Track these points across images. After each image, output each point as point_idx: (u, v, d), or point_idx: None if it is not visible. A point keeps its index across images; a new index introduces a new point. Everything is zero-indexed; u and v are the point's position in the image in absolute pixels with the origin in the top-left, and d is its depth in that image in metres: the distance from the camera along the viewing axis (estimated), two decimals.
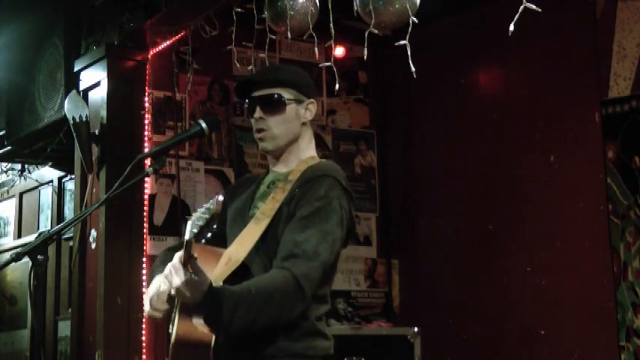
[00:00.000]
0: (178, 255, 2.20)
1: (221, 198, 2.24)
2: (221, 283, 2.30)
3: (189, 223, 2.19)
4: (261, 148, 2.62)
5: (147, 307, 2.43)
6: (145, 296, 2.46)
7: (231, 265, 2.37)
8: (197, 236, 2.17)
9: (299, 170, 2.55)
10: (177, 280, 2.18)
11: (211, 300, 2.20)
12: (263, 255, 2.44)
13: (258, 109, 2.57)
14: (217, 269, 2.36)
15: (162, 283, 2.33)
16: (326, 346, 2.48)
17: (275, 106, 2.56)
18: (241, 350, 2.36)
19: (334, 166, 2.59)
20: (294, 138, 2.60)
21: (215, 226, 2.22)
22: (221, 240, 2.60)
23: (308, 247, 2.34)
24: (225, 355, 2.31)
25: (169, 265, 2.23)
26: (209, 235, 2.20)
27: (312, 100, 2.62)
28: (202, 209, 2.24)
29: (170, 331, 2.40)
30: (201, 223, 2.20)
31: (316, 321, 2.45)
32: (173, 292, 2.22)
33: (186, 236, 2.14)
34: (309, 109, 2.62)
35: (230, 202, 2.67)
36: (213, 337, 2.26)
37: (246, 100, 2.62)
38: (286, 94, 2.57)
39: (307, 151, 2.64)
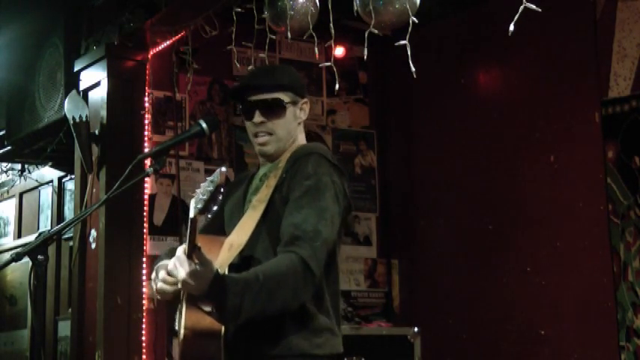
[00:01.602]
0: (182, 247, 2.20)
1: (224, 169, 2.17)
2: (226, 269, 2.29)
3: (192, 200, 2.15)
4: (263, 151, 2.60)
5: (160, 278, 2.36)
6: (152, 276, 2.45)
7: (234, 251, 2.37)
8: (202, 211, 2.11)
9: (286, 157, 2.56)
10: (183, 271, 2.17)
11: (218, 287, 2.18)
12: (264, 239, 2.44)
13: (258, 113, 2.56)
14: (221, 256, 2.35)
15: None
16: (335, 343, 2.46)
17: (276, 110, 2.56)
18: (249, 347, 2.35)
19: (318, 144, 2.62)
20: (292, 139, 2.61)
21: (220, 198, 2.16)
22: (220, 227, 2.61)
23: (308, 227, 2.34)
24: (234, 350, 2.31)
25: (173, 258, 2.22)
26: (215, 208, 2.14)
27: (305, 100, 2.65)
28: (205, 183, 2.18)
29: (176, 327, 2.38)
30: (205, 197, 2.12)
31: (325, 317, 2.44)
32: (179, 285, 2.21)
33: (191, 213, 2.10)
34: (303, 109, 2.64)
35: (225, 202, 2.67)
36: (223, 326, 2.25)
37: (242, 104, 2.61)
38: (285, 98, 2.57)
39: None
